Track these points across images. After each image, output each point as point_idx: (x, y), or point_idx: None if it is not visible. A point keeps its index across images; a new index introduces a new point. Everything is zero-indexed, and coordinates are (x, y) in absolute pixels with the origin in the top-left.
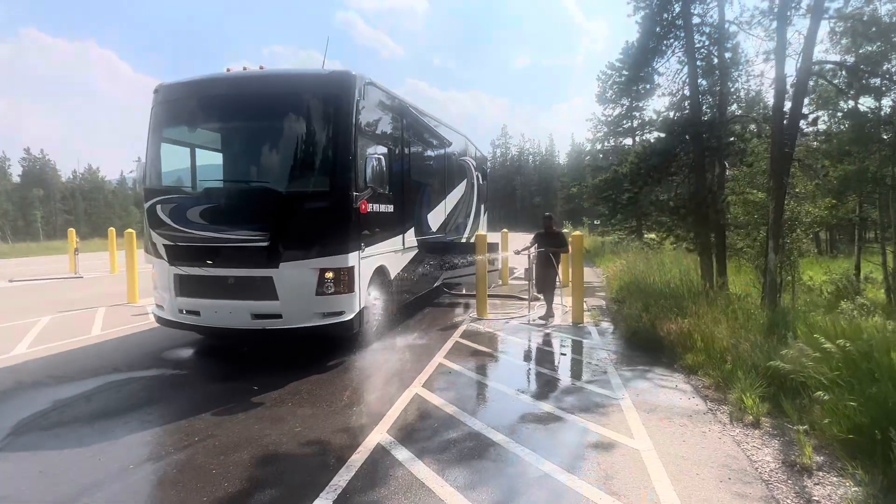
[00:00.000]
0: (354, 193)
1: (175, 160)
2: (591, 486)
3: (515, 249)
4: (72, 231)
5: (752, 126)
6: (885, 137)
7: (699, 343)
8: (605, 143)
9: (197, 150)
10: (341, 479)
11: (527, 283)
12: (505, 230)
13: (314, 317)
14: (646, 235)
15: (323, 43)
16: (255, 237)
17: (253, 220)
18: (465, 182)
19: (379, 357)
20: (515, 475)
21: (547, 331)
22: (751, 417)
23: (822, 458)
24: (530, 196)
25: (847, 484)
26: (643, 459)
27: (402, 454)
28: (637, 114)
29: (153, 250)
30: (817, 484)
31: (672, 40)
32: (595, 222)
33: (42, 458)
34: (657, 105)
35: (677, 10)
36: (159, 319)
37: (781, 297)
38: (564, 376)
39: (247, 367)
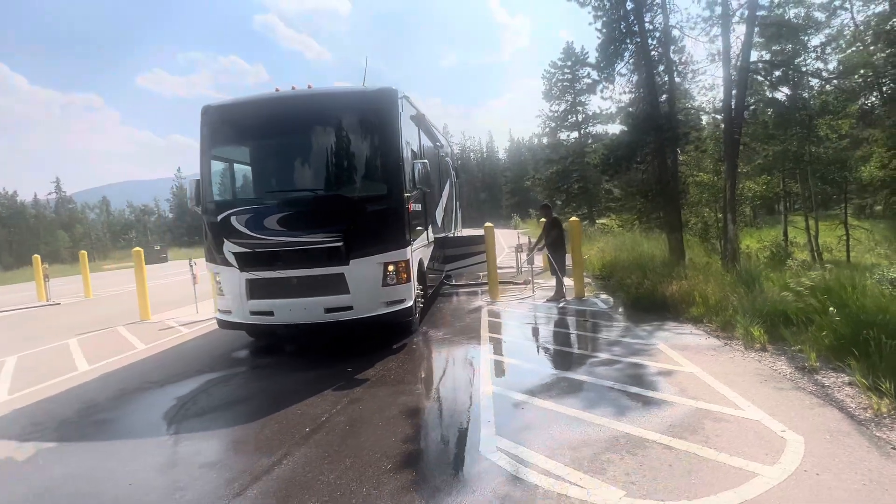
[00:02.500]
0: (406, 194)
1: (234, 176)
2: (676, 396)
3: (531, 247)
4: (37, 258)
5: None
6: (798, 119)
7: (698, 299)
8: (554, 138)
9: (256, 164)
10: (486, 414)
11: (515, 269)
12: (490, 224)
13: (380, 306)
14: (598, 221)
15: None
16: (329, 239)
17: (327, 223)
18: (448, 180)
19: (435, 337)
20: (615, 398)
21: (560, 305)
22: (759, 345)
23: (818, 363)
24: (476, 192)
25: (843, 375)
26: (699, 377)
27: (517, 396)
28: (580, 108)
29: (220, 259)
30: (824, 377)
31: (629, 44)
32: None
33: (222, 435)
34: (607, 102)
35: (632, 17)
36: (225, 323)
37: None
38: (601, 335)
39: (324, 357)
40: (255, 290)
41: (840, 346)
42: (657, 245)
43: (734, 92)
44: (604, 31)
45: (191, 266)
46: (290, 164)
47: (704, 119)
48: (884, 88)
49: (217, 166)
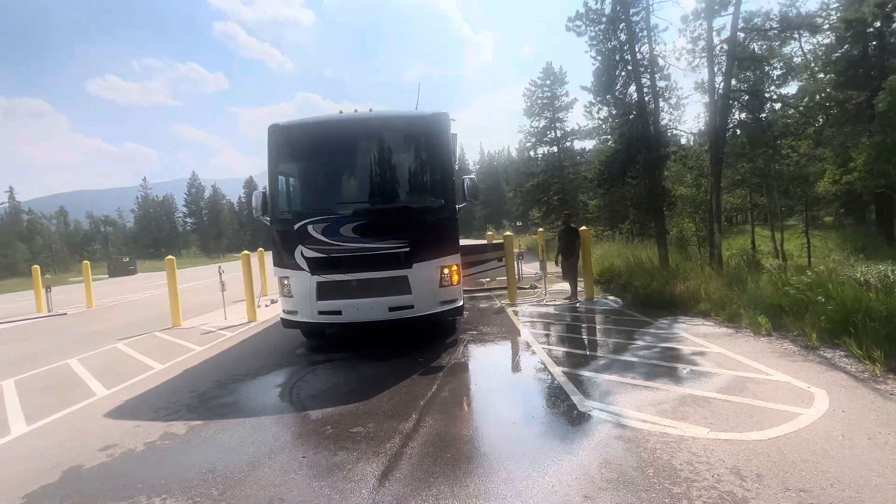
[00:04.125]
0: (457, 206)
1: (304, 189)
2: (716, 368)
3: (558, 256)
4: (36, 269)
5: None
6: (765, 140)
7: (704, 296)
8: (535, 152)
9: (326, 179)
10: (568, 387)
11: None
12: (509, 233)
13: (437, 305)
14: None
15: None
16: (397, 245)
17: (395, 232)
18: None
19: (479, 333)
20: (667, 371)
21: (576, 304)
22: (765, 331)
23: (818, 343)
24: None
25: (839, 350)
26: (727, 355)
27: (585, 373)
28: (558, 125)
29: (291, 264)
30: (825, 352)
31: (622, 72)
32: (517, 223)
33: (349, 409)
34: (584, 120)
35: (626, 48)
36: (290, 323)
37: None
38: (627, 328)
39: (388, 352)
40: (325, 291)
41: (834, 329)
42: (642, 252)
43: (717, 116)
44: (599, 58)
45: (220, 273)
46: (359, 179)
47: (675, 135)
48: (831, 112)
49: (286, 180)
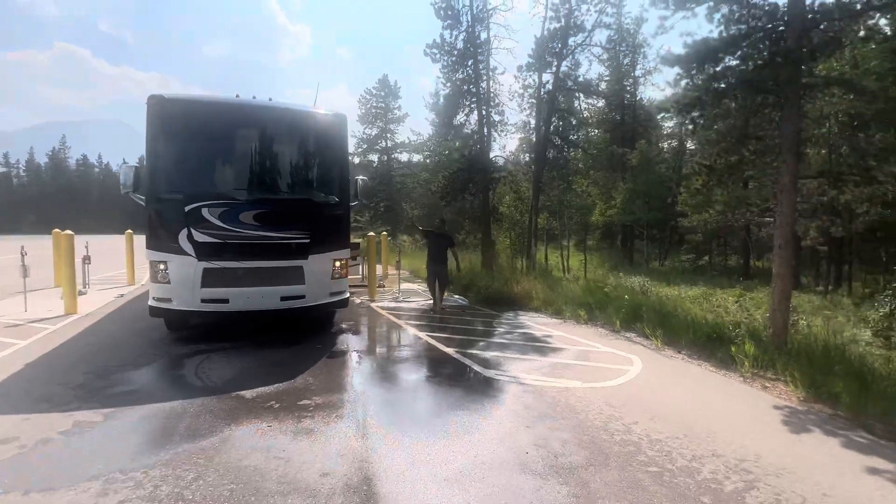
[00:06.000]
0: (351, 203)
1: (193, 170)
2: (564, 345)
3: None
4: None
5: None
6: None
7: (534, 295)
8: (364, 158)
9: (219, 163)
10: (466, 361)
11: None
12: (372, 233)
13: (327, 296)
14: (400, 237)
15: None
16: (297, 235)
17: (295, 222)
18: None
19: (359, 324)
20: (533, 348)
21: (429, 300)
22: (583, 320)
23: (621, 328)
24: None
25: (632, 332)
26: (567, 336)
27: (472, 351)
28: (389, 136)
29: (172, 248)
30: (626, 334)
31: (468, 103)
32: None
33: (281, 388)
34: (411, 135)
35: (471, 82)
36: (160, 311)
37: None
38: (483, 318)
39: (281, 340)
40: (211, 278)
41: (629, 318)
42: (476, 259)
43: (540, 152)
44: (448, 85)
45: (22, 255)
46: (259, 167)
47: (507, 162)
48: (600, 160)
49: (171, 159)
